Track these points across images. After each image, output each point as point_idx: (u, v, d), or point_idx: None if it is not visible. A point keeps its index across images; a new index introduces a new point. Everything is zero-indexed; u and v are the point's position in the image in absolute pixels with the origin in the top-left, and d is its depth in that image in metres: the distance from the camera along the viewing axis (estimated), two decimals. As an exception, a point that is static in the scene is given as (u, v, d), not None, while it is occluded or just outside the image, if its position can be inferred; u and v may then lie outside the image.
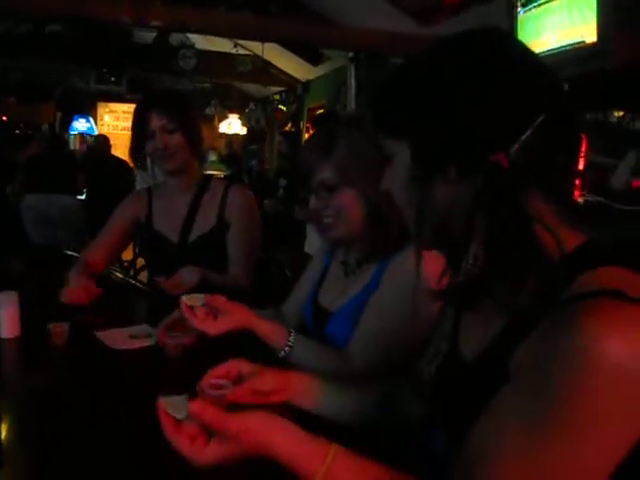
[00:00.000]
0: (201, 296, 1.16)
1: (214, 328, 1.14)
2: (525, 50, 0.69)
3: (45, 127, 8.38)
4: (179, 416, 0.70)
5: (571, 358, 0.53)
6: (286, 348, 1.16)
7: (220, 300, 1.16)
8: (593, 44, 2.98)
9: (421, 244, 0.74)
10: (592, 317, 0.54)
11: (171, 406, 0.71)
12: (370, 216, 1.21)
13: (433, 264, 0.78)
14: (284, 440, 0.67)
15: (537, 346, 0.58)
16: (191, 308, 1.15)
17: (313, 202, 1.25)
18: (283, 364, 1.15)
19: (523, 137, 0.63)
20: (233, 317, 1.16)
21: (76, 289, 1.57)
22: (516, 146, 0.63)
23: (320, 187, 1.23)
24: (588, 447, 0.53)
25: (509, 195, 0.63)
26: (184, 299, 1.16)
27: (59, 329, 1.34)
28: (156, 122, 1.72)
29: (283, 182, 4.43)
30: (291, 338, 1.17)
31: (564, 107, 0.67)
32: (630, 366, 0.52)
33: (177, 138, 1.74)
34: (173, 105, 1.76)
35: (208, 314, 1.15)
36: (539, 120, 0.63)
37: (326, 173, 1.21)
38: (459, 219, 0.68)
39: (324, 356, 1.18)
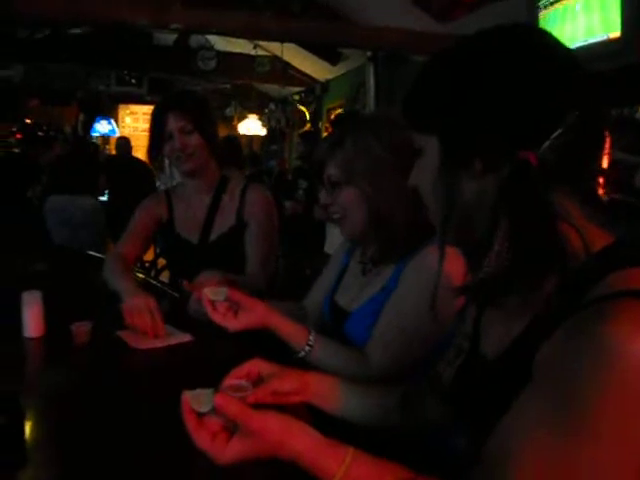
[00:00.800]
0: (223, 290, 1.16)
1: (234, 324, 1.15)
2: (557, 45, 0.67)
3: (67, 129, 8.51)
4: (203, 409, 0.71)
5: (597, 360, 0.52)
6: (306, 348, 1.16)
7: (242, 296, 1.17)
8: (617, 39, 2.93)
9: (445, 240, 0.73)
10: (618, 318, 0.53)
11: (196, 399, 0.71)
12: (370, 217, 1.21)
13: (455, 262, 0.77)
14: (303, 442, 0.67)
15: (562, 345, 0.57)
16: (212, 302, 1.15)
17: (322, 197, 1.29)
18: (302, 362, 1.15)
19: (554, 134, 0.62)
20: (253, 314, 1.16)
21: (147, 318, 1.39)
22: (547, 144, 0.62)
23: (327, 182, 1.26)
24: (613, 450, 0.52)
25: (536, 192, 0.62)
26: (206, 292, 1.16)
27: (82, 328, 1.35)
28: (173, 124, 1.73)
29: (303, 183, 4.42)
30: (311, 338, 1.17)
31: (595, 103, 0.65)
32: None
33: (195, 139, 1.75)
34: (190, 106, 1.77)
35: (229, 309, 1.16)
36: (572, 117, 0.62)
37: (332, 169, 1.24)
38: (484, 215, 0.67)
39: (343, 357, 1.18)
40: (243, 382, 0.83)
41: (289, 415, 0.70)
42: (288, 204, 4.33)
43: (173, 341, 1.40)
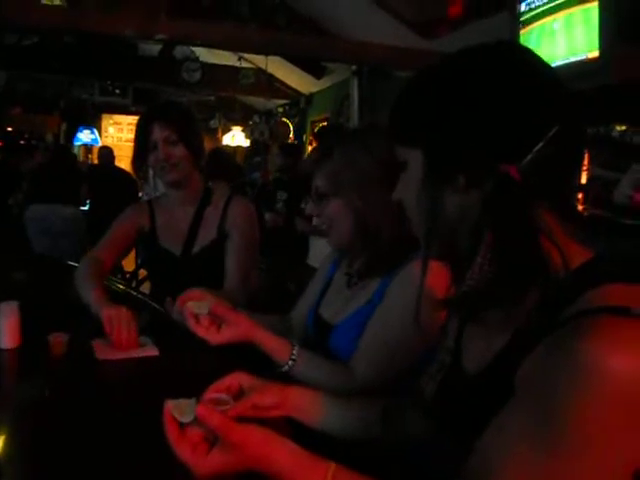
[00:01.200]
0: (206, 304, 1.16)
1: (217, 338, 1.14)
2: (539, 62, 0.68)
3: (49, 138, 8.44)
4: (185, 419, 0.70)
5: (574, 376, 0.53)
6: (289, 362, 1.16)
7: (225, 309, 1.16)
8: (595, 59, 2.99)
9: (429, 253, 0.73)
10: (595, 335, 0.53)
11: (178, 409, 0.71)
12: (357, 228, 1.21)
13: (439, 275, 0.77)
14: (284, 457, 0.67)
15: (542, 361, 0.57)
16: (195, 316, 1.15)
17: (309, 207, 1.30)
18: (286, 376, 1.15)
19: (535, 149, 0.63)
20: (237, 328, 1.15)
21: (125, 330, 1.37)
22: (528, 158, 0.63)
23: (315, 194, 1.27)
24: (592, 465, 0.53)
25: (517, 206, 0.63)
26: (189, 305, 1.15)
27: (59, 340, 1.33)
28: (158, 134, 1.72)
29: (283, 195, 4.40)
30: (294, 352, 1.16)
31: (576, 120, 0.66)
32: (635, 383, 0.51)
33: (179, 150, 1.74)
34: (175, 117, 1.76)
35: (212, 323, 1.15)
36: (552, 132, 0.63)
37: (319, 180, 1.25)
38: (467, 228, 0.68)
39: (326, 371, 1.17)
40: (223, 396, 0.82)
41: (270, 429, 0.69)
42: (268, 216, 4.30)
43: (140, 354, 1.38)
